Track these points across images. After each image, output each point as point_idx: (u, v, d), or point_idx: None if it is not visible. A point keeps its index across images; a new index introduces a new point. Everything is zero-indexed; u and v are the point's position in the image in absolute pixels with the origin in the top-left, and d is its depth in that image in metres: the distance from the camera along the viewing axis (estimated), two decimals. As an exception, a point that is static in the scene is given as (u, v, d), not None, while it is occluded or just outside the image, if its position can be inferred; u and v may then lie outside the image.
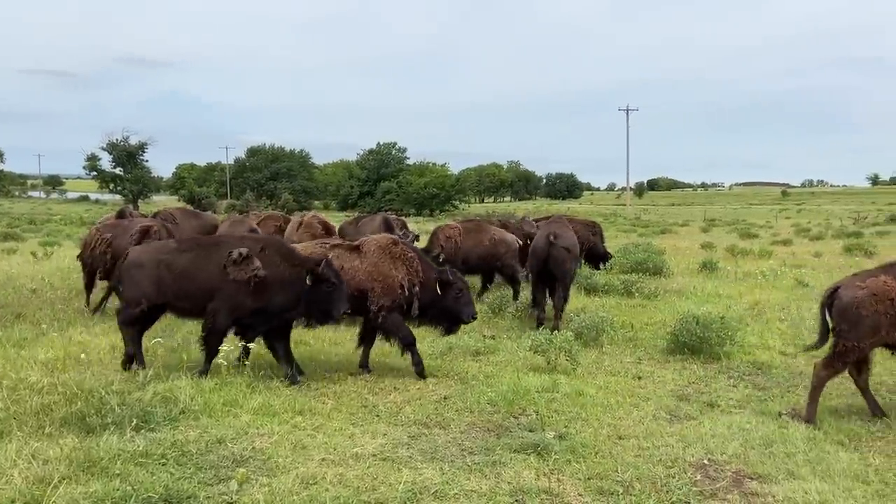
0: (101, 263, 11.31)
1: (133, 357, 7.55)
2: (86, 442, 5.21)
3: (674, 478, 4.93)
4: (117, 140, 78.72)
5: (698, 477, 4.97)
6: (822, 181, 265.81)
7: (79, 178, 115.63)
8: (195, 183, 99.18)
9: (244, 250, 7.13)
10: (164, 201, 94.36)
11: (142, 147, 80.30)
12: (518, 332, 9.93)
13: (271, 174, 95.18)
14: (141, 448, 5.14)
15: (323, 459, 5.20)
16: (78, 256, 12.26)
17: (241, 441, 5.49)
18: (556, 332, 8.27)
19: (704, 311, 9.17)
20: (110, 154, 78.99)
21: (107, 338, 8.90)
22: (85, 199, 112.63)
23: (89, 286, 11.80)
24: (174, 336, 8.92)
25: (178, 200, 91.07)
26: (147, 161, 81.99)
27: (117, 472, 4.76)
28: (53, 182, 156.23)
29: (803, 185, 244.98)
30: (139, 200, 76.57)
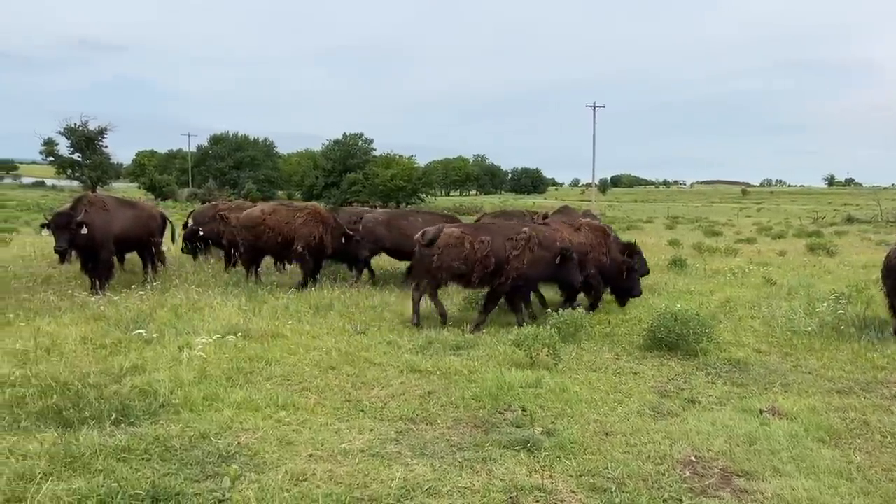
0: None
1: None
2: (65, 437, 5.04)
3: (664, 475, 4.96)
4: (75, 125, 76.89)
5: (687, 474, 5.01)
6: (780, 181, 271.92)
7: (34, 162, 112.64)
8: (156, 170, 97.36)
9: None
10: (123, 188, 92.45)
11: (101, 132, 78.57)
12: (496, 326, 9.92)
13: (234, 163, 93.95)
14: (123, 443, 5.01)
15: (311, 455, 5.12)
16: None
17: (226, 436, 5.38)
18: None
19: (680, 308, 9.25)
20: (68, 139, 77.15)
21: (77, 328, 8.66)
22: (41, 184, 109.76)
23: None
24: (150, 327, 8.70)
25: (139, 188, 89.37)
26: (106, 147, 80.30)
27: (100, 467, 4.62)
28: (7, 167, 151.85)
29: (762, 185, 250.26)
30: (98, 187, 74.84)
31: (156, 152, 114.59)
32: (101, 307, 9.94)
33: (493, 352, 8.30)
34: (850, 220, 50.28)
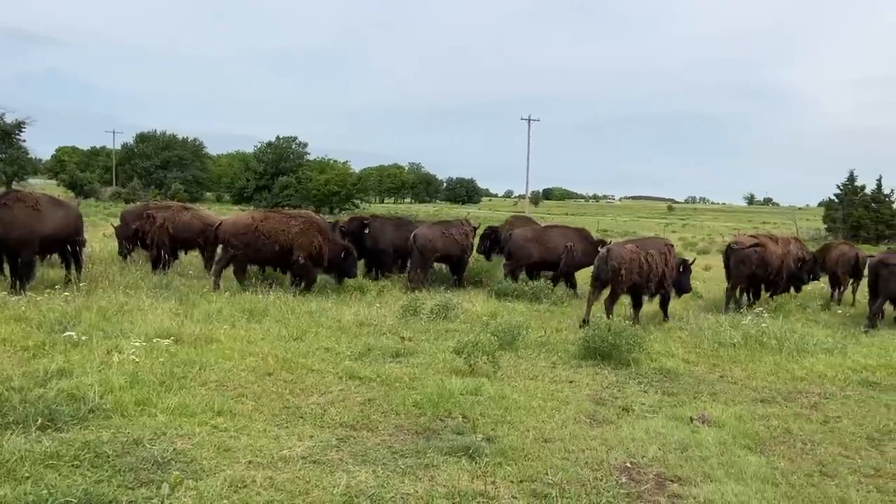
0: None
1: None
2: (-13, 443, 4.80)
3: (601, 480, 5.08)
4: (-10, 117, 73.01)
5: (624, 480, 5.14)
6: (703, 198, 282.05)
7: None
8: (77, 167, 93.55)
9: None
10: (41, 185, 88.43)
11: (19, 126, 74.74)
12: (435, 333, 9.95)
13: (161, 162, 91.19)
14: (50, 449, 4.79)
15: (250, 462, 5.03)
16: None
17: (160, 442, 5.22)
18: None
19: (613, 320, 9.49)
20: (-19, 132, 73.16)
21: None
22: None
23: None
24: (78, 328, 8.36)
25: (58, 185, 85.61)
26: (24, 141, 76.48)
27: (27, 474, 4.42)
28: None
29: (687, 201, 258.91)
30: (14, 183, 71.35)
31: (77, 149, 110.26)
32: (23, 308, 9.49)
33: (433, 359, 8.32)
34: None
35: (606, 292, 11.81)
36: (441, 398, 6.67)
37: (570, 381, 7.92)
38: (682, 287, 13.00)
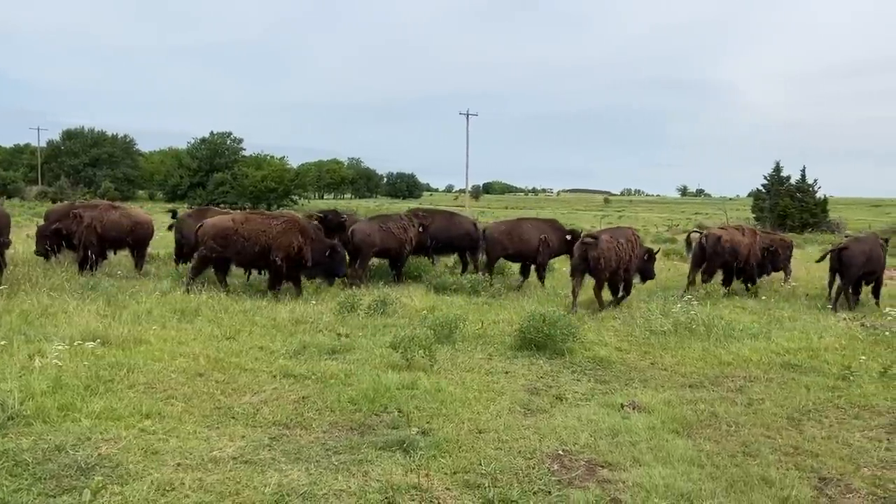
0: None
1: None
2: None
3: (534, 468, 5.16)
4: None
5: (555, 467, 5.24)
6: (638, 190, 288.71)
7: None
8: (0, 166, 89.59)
9: None
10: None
11: (-65, 122, 71.27)
12: (372, 329, 9.91)
13: (90, 160, 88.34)
14: (-35, 460, 4.59)
15: (178, 465, 4.92)
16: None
17: (84, 448, 5.07)
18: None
19: (549, 310, 9.63)
20: None
21: None
22: None
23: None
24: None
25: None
26: (-58, 138, 72.85)
27: (-62, 487, 4.23)
28: None
29: (622, 194, 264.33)
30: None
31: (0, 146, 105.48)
32: (-63, 313, 9.05)
33: (370, 355, 8.29)
34: (700, 227, 54.05)
35: (585, 281, 12.78)
36: (377, 393, 6.65)
37: (506, 372, 8.01)
38: (647, 274, 13.90)
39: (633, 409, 6.70)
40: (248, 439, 5.50)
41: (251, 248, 12.47)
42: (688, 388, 7.70)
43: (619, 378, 8.01)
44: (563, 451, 5.57)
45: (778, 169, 57.37)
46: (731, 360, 8.90)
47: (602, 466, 5.31)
